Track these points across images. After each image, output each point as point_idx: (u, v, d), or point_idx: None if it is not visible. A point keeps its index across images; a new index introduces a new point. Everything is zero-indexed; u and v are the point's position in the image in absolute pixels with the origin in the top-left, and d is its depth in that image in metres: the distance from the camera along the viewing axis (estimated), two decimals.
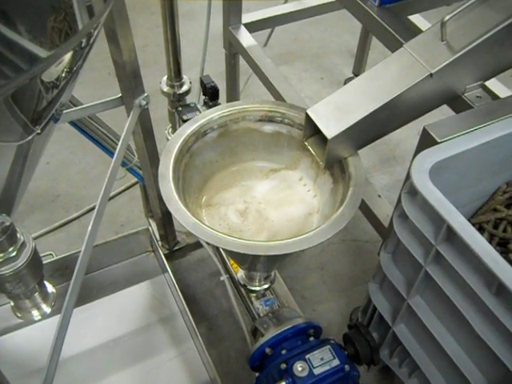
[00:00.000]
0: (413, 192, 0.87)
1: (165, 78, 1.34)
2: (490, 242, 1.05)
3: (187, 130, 1.01)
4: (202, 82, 1.33)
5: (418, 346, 1.03)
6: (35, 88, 0.56)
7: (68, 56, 0.55)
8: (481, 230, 1.07)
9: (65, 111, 1.00)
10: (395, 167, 1.85)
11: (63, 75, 0.59)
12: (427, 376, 1.01)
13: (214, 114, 1.04)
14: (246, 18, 1.62)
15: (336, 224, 0.86)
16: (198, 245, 1.53)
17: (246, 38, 1.57)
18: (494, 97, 1.06)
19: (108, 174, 0.90)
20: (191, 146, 1.01)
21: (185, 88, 1.34)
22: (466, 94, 0.98)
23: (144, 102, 1.05)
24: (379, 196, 1.23)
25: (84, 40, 0.57)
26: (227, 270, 1.30)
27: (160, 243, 1.49)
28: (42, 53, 0.49)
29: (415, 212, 0.87)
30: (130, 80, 1.00)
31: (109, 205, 1.73)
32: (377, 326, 1.14)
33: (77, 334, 1.31)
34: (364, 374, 1.33)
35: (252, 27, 1.62)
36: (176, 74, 1.30)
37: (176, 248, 1.51)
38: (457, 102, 1.00)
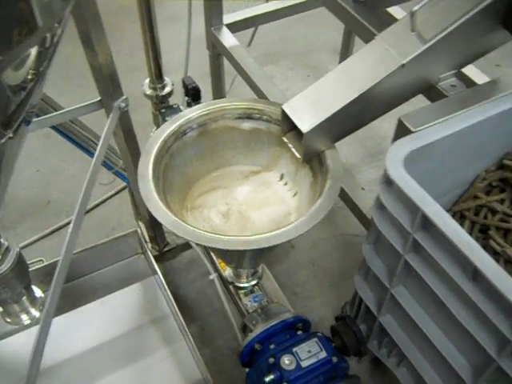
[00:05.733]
0: (388, 182, 0.88)
1: (147, 80, 1.35)
2: (472, 229, 1.06)
3: (166, 130, 1.01)
4: (184, 83, 1.34)
5: (404, 336, 1.04)
6: (2, 91, 0.57)
7: (31, 57, 0.56)
8: (462, 217, 1.08)
9: (44, 116, 1.01)
10: (383, 161, 1.85)
11: (29, 77, 0.60)
12: (414, 364, 1.02)
13: (193, 113, 1.05)
14: (228, 18, 1.63)
15: (314, 217, 0.87)
16: (188, 246, 1.53)
17: (228, 39, 1.58)
18: (470, 84, 1.07)
19: (88, 176, 0.91)
20: (171, 146, 1.02)
21: (167, 90, 1.35)
22: (440, 84, 0.99)
23: (123, 105, 1.06)
24: (362, 189, 1.24)
25: (48, 40, 0.58)
26: (216, 269, 1.31)
27: (150, 245, 1.50)
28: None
29: (392, 202, 0.88)
30: (108, 83, 1.01)
31: (99, 209, 1.74)
32: (364, 318, 1.15)
33: (69, 337, 1.33)
34: (356, 365, 1.35)
35: (234, 27, 1.63)
36: (157, 76, 1.31)
37: (166, 249, 1.52)
38: (432, 92, 1.00)
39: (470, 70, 1.13)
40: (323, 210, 0.88)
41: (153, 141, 0.99)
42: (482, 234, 1.05)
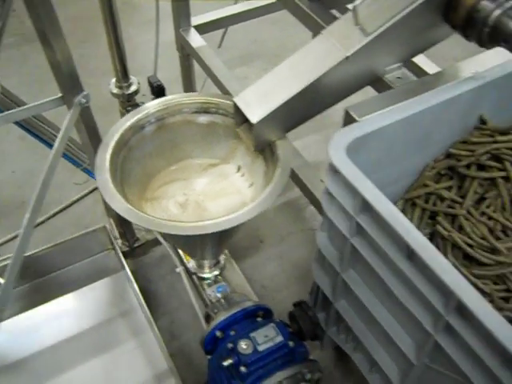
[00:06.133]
0: (333, 169, 0.92)
1: (113, 80, 1.38)
2: (422, 216, 1.10)
3: (124, 124, 1.05)
4: (149, 82, 1.37)
5: (358, 320, 1.08)
6: None
7: None
8: (414, 205, 1.12)
9: (6, 112, 1.04)
10: None
11: None
12: (367, 347, 1.05)
13: (151, 107, 1.08)
14: (196, 20, 1.67)
15: (262, 203, 0.91)
16: (157, 241, 1.56)
17: (196, 40, 1.62)
18: (422, 74, 1.12)
19: (45, 169, 0.94)
20: (129, 140, 1.05)
21: (133, 88, 1.38)
22: (386, 76, 1.04)
23: (84, 101, 1.09)
24: (321, 181, 1.28)
25: None
26: (182, 263, 1.34)
27: (120, 241, 1.53)
28: None
29: (337, 187, 0.92)
30: (67, 79, 1.04)
31: (73, 208, 1.77)
32: (323, 305, 1.19)
33: (40, 331, 1.36)
34: (322, 354, 1.38)
35: (203, 29, 1.67)
36: (123, 75, 1.35)
37: (136, 245, 1.55)
38: (379, 84, 1.05)
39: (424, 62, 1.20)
40: (272, 197, 0.92)
41: (111, 134, 1.03)
42: (431, 221, 1.09)
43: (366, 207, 0.86)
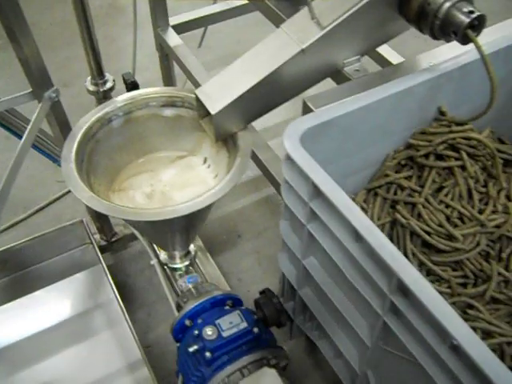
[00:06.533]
0: (289, 158, 0.95)
1: (89, 78, 1.41)
2: (384, 205, 1.13)
3: (92, 117, 1.08)
4: (123, 79, 1.41)
5: (321, 306, 1.11)
6: None
7: None
8: (376, 194, 1.15)
9: None
10: None
11: None
12: (328, 332, 1.08)
13: (118, 101, 1.12)
14: (174, 19, 1.70)
15: (219, 190, 0.94)
16: (135, 236, 1.59)
17: (173, 40, 1.65)
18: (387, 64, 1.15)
19: (13, 160, 0.97)
20: (97, 132, 1.09)
21: (108, 85, 1.40)
22: (345, 69, 1.07)
23: (53, 95, 1.12)
24: None
25: None
26: (156, 255, 1.37)
27: (98, 236, 1.56)
28: None
29: (292, 175, 0.95)
30: (36, 75, 1.08)
31: (54, 206, 1.81)
32: (290, 295, 1.21)
33: (17, 323, 1.39)
34: (295, 344, 1.41)
35: (181, 28, 1.70)
36: (98, 72, 1.38)
37: (114, 239, 1.58)
38: (339, 76, 1.08)
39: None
40: (229, 185, 0.95)
41: (79, 126, 1.06)
42: (393, 210, 1.12)
43: (318, 193, 0.89)
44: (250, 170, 1.82)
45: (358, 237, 0.84)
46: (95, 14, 2.70)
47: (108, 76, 1.42)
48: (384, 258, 0.76)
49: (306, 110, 1.00)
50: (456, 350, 0.71)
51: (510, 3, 2.58)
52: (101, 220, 1.51)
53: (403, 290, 0.79)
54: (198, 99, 1.02)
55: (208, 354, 1.06)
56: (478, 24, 0.92)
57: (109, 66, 1.41)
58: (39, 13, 2.61)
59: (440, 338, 0.74)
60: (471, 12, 0.91)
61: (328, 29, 0.97)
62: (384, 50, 1.29)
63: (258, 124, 1.15)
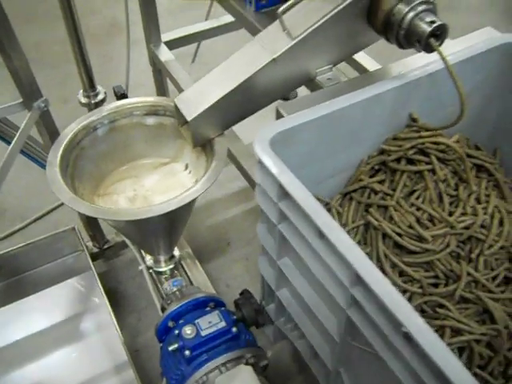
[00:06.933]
0: (259, 161, 0.99)
1: (81, 91, 1.48)
2: (358, 209, 1.16)
3: (78, 124, 1.14)
4: (114, 91, 1.47)
5: (297, 306, 1.14)
6: None
7: None
8: (351, 198, 1.19)
9: None
10: None
11: None
12: (304, 332, 1.11)
13: (104, 110, 1.17)
14: (167, 35, 1.77)
15: (193, 192, 0.99)
16: (126, 244, 1.64)
17: (165, 55, 1.72)
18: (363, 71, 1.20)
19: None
20: (82, 139, 1.14)
21: (100, 97, 1.47)
22: (318, 77, 1.12)
23: (42, 105, 1.18)
24: None
25: None
26: (144, 261, 1.42)
27: (90, 243, 1.61)
28: None
29: (263, 177, 0.99)
30: (26, 85, 1.14)
31: (52, 215, 1.86)
32: (270, 296, 1.25)
33: (11, 325, 1.44)
34: (278, 348, 1.43)
35: (173, 44, 1.77)
36: (89, 85, 1.44)
37: (106, 247, 1.63)
38: (311, 85, 1.13)
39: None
40: (205, 185, 1.00)
41: (65, 133, 1.12)
42: (366, 213, 1.16)
43: (285, 193, 0.94)
44: (240, 181, 1.87)
45: (320, 234, 0.87)
46: (96, 33, 2.82)
47: (100, 88, 1.48)
48: (341, 251, 0.80)
49: (279, 116, 1.05)
50: (408, 339, 0.75)
51: None
52: (93, 228, 1.56)
53: (362, 282, 0.82)
54: (176, 107, 1.07)
55: (187, 353, 1.10)
56: (440, 33, 0.96)
57: (106, 82, 1.47)
58: (43, 32, 2.71)
59: (394, 328, 0.77)
60: (433, 22, 0.96)
61: (298, 39, 1.02)
62: (361, 57, 1.35)
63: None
